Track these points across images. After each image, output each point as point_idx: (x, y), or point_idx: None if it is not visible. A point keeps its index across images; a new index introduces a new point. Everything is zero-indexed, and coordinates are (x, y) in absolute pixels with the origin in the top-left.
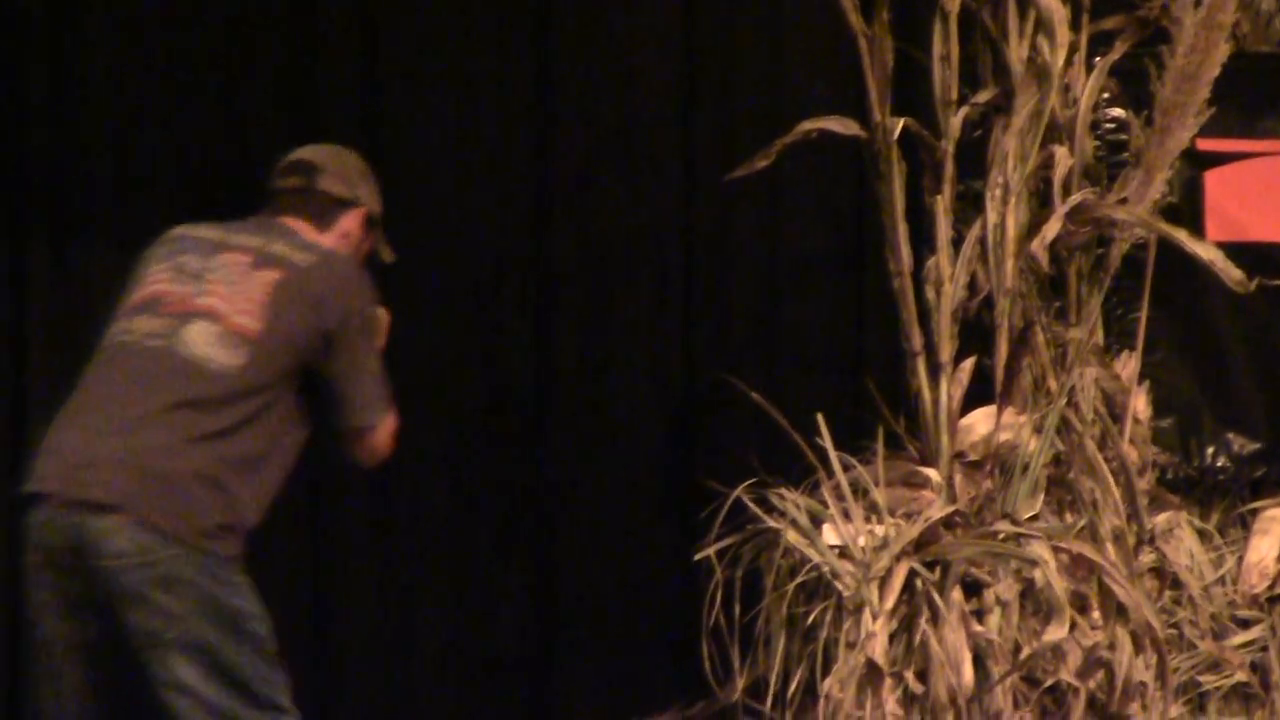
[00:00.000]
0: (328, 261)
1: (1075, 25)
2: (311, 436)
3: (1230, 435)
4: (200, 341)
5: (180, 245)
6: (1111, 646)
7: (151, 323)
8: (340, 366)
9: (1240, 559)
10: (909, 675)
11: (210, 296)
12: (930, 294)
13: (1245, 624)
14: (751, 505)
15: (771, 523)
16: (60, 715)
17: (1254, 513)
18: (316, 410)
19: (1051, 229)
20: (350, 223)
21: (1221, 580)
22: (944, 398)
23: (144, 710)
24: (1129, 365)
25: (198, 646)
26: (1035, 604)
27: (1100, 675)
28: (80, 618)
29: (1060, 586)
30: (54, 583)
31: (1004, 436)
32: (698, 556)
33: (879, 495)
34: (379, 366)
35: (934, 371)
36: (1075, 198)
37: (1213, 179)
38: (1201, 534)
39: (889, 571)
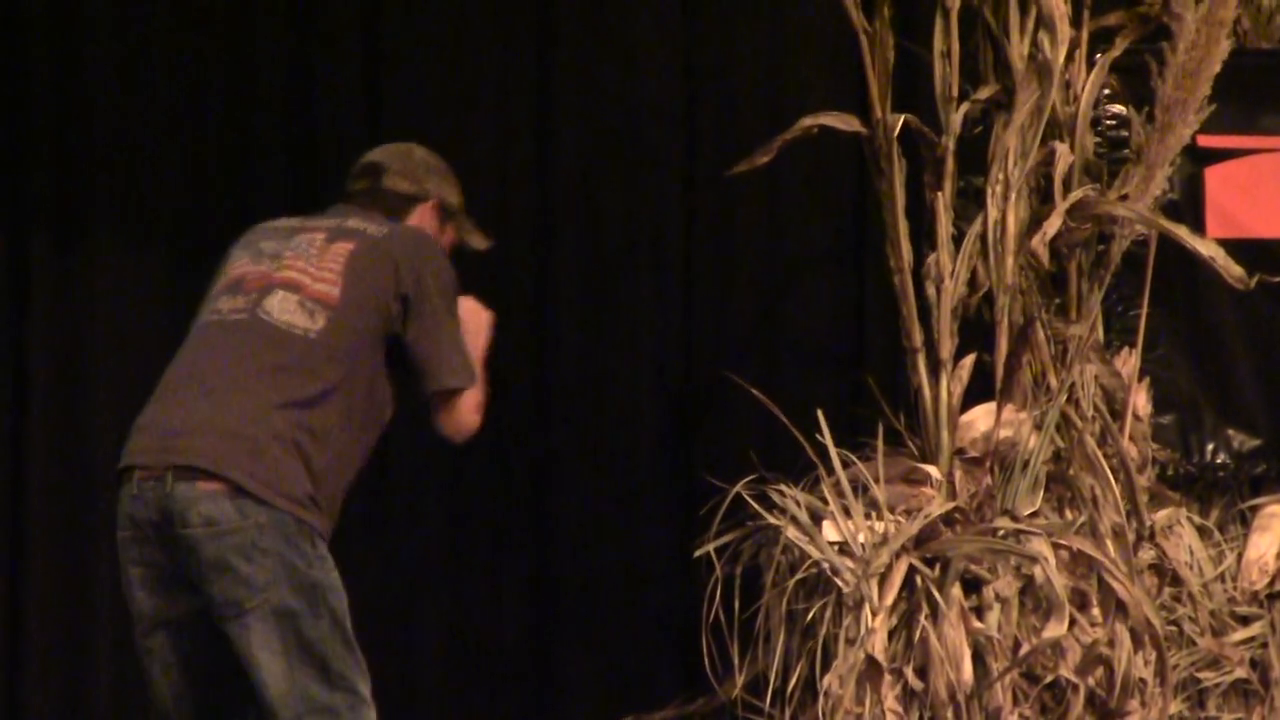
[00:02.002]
0: (401, 230)
1: (1076, 21)
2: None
3: (1230, 432)
4: (280, 309)
5: (258, 235)
6: (1111, 643)
7: (235, 301)
8: (418, 330)
9: (1240, 556)
10: (908, 672)
11: (289, 270)
12: (930, 290)
13: (1245, 620)
14: (751, 501)
15: (771, 519)
16: (159, 690)
17: (1254, 509)
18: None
19: (1052, 225)
20: (421, 217)
21: (1221, 577)
22: (944, 394)
23: (231, 685)
24: (1129, 362)
25: (278, 616)
26: (1035, 601)
27: (1099, 672)
28: (167, 593)
29: (1060, 583)
30: (141, 557)
31: (1004, 433)
32: (697, 553)
33: (879, 492)
34: (460, 336)
35: (934, 368)
36: (1076, 194)
37: (1213, 175)
38: (1201, 530)
39: (889, 568)
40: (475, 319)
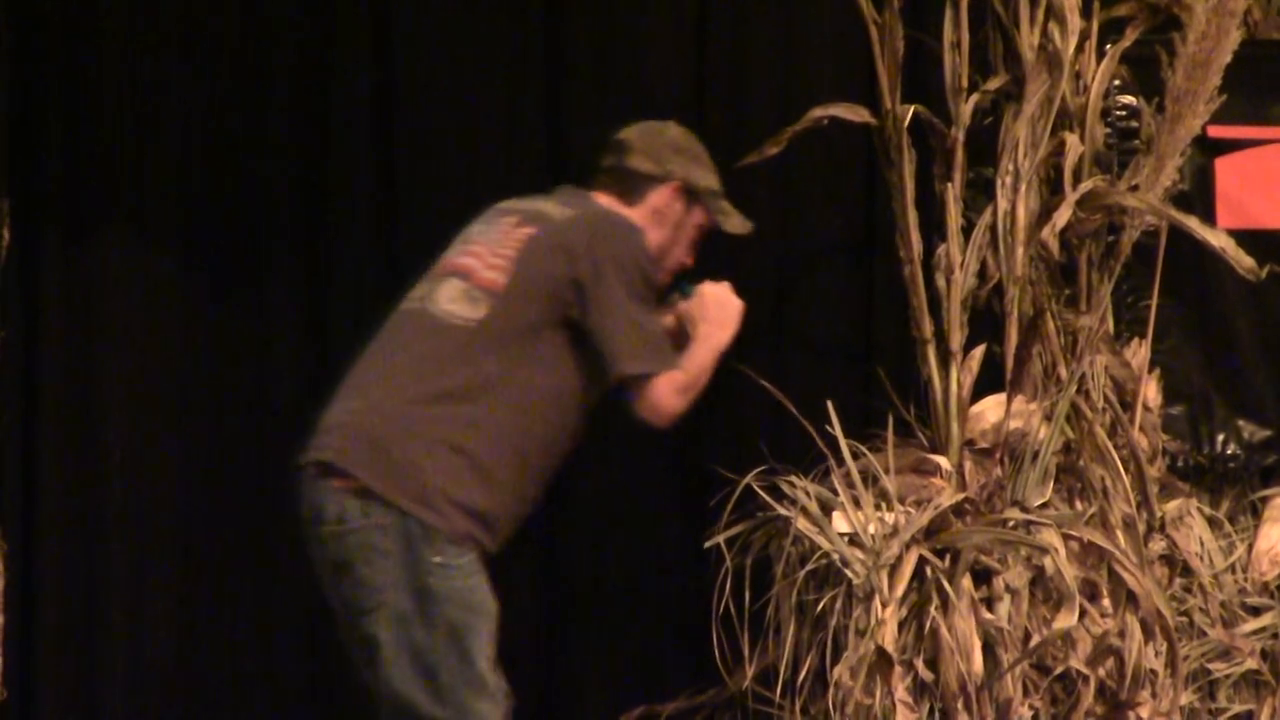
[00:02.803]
0: (587, 214)
1: (1086, 12)
2: None
3: (1240, 422)
4: (446, 298)
5: (482, 217)
6: (1121, 634)
7: (421, 288)
8: (596, 316)
9: (1250, 546)
10: (919, 663)
11: (468, 256)
12: (940, 281)
13: (1255, 611)
14: (761, 493)
15: (781, 510)
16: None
17: (1264, 500)
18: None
19: (1062, 216)
20: (660, 197)
21: (1232, 568)
22: (954, 385)
23: None
24: (1139, 353)
25: (395, 619)
26: (1045, 591)
27: (1110, 663)
28: (337, 585)
29: (1070, 574)
30: (314, 553)
31: (1014, 424)
32: (708, 544)
33: (889, 483)
34: (646, 319)
35: (944, 359)
36: (1086, 185)
37: (1224, 166)
38: (1212, 521)
39: (899, 559)
40: (721, 309)
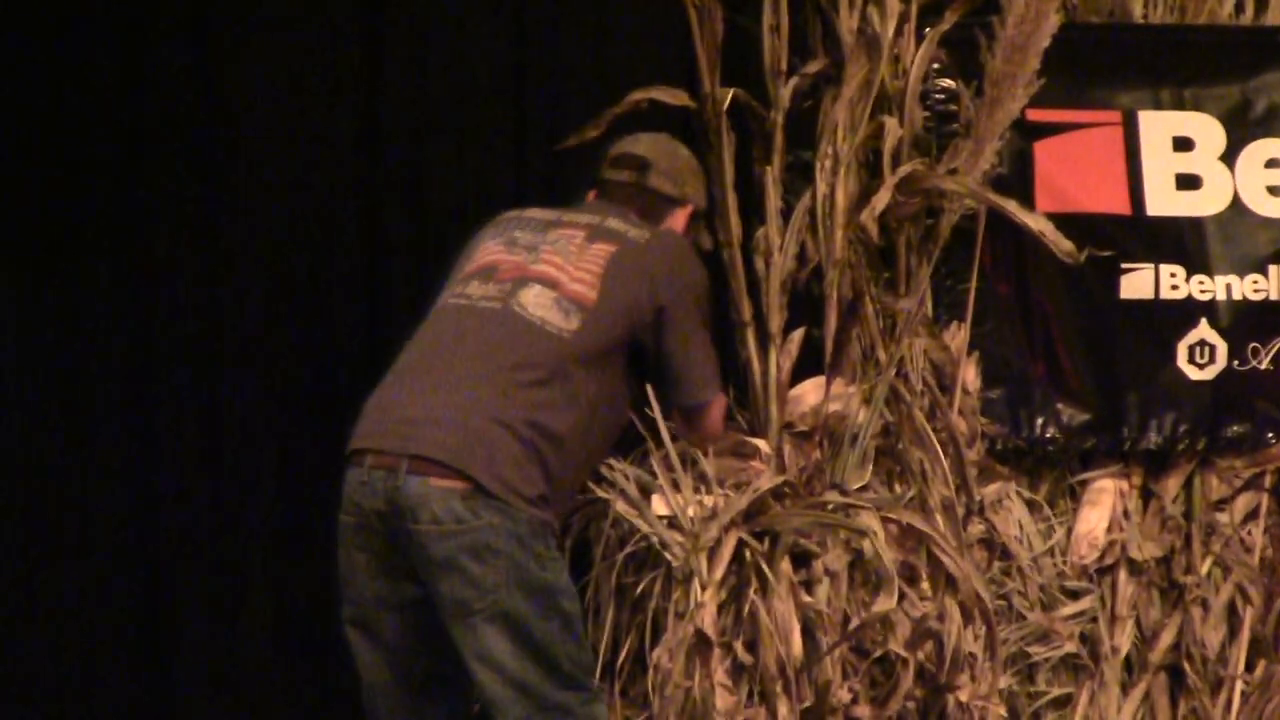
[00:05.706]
0: (662, 237)
1: None
2: None
3: (1059, 406)
4: (535, 304)
5: (511, 224)
6: (940, 617)
7: (486, 287)
8: (674, 343)
9: (1069, 530)
10: (738, 645)
11: (545, 265)
12: (759, 264)
13: (1074, 595)
14: None
15: (600, 493)
16: (379, 671)
17: (1083, 484)
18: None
19: (881, 200)
20: (677, 221)
21: (1050, 551)
22: (773, 368)
23: (444, 667)
24: (958, 336)
25: (507, 618)
26: (864, 575)
27: (929, 646)
28: (393, 580)
29: (889, 557)
30: (367, 544)
31: (833, 407)
32: None
33: (708, 466)
34: (710, 346)
35: (763, 342)
36: (904, 168)
37: (1042, 150)
38: (1031, 505)
39: (718, 542)
40: None
